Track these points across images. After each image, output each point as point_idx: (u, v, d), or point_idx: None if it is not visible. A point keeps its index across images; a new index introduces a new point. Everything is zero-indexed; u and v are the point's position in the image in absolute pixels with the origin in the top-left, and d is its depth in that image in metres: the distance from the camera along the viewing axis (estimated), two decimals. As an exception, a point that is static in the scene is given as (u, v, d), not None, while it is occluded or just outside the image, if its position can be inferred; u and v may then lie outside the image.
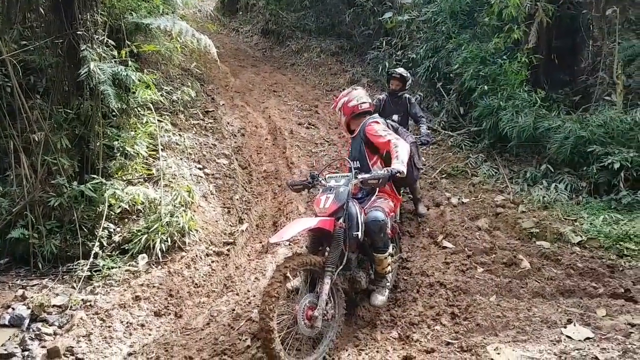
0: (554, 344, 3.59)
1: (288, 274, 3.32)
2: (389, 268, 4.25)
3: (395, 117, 6.31)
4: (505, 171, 7.29)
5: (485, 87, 7.85)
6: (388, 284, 4.32)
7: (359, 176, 3.95)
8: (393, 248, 4.39)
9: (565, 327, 3.83)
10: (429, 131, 6.40)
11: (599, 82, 7.68)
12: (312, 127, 9.35)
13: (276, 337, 3.19)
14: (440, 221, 6.16)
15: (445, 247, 5.56)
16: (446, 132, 8.70)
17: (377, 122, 4.40)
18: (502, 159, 7.63)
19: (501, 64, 7.83)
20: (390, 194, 4.47)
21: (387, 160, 4.30)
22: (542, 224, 5.83)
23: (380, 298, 4.18)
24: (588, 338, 3.66)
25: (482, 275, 4.81)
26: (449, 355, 3.55)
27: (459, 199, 6.77)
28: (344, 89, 11.11)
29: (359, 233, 3.85)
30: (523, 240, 5.62)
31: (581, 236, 5.51)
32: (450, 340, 3.78)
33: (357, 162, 4.44)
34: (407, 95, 6.42)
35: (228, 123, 8.95)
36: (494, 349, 3.50)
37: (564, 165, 6.90)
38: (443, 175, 7.51)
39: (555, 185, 6.62)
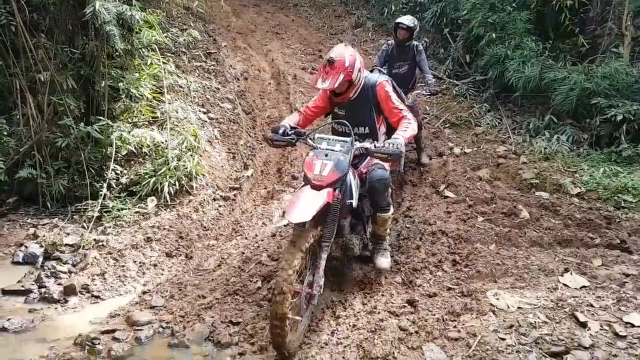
0: (551, 291, 3.78)
1: (302, 254, 3.08)
2: (388, 229, 4.11)
3: (403, 66, 6.25)
4: (508, 122, 7.34)
5: (493, 35, 7.74)
6: (387, 245, 4.16)
7: (364, 144, 3.55)
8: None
9: (562, 276, 4.00)
10: (434, 80, 6.34)
11: (607, 33, 7.58)
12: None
13: (287, 327, 3.01)
14: (442, 171, 6.25)
15: (447, 197, 5.69)
16: (451, 80, 8.65)
17: (390, 83, 3.92)
18: (505, 109, 7.65)
19: (510, 12, 7.71)
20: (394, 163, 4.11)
21: (388, 120, 3.99)
22: (543, 175, 5.95)
23: (386, 260, 4.03)
24: (584, 286, 3.84)
25: (483, 225, 4.96)
26: (450, 300, 3.73)
27: (461, 149, 6.85)
28: (348, 33, 11.09)
29: (354, 201, 3.57)
30: (523, 190, 5.75)
31: (580, 187, 5.64)
32: (451, 286, 3.95)
33: (365, 127, 3.94)
34: (415, 43, 6.33)
35: (231, 66, 8.85)
36: (493, 295, 3.68)
37: (567, 116, 6.95)
38: (446, 125, 7.56)
39: (557, 137, 6.69)
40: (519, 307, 3.49)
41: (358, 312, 3.65)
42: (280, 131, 3.72)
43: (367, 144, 3.52)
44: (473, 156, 6.68)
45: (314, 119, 4.18)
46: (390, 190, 3.96)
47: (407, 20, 6.20)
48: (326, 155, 3.43)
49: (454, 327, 3.38)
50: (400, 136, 3.46)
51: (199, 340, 3.51)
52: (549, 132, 6.86)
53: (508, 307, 3.51)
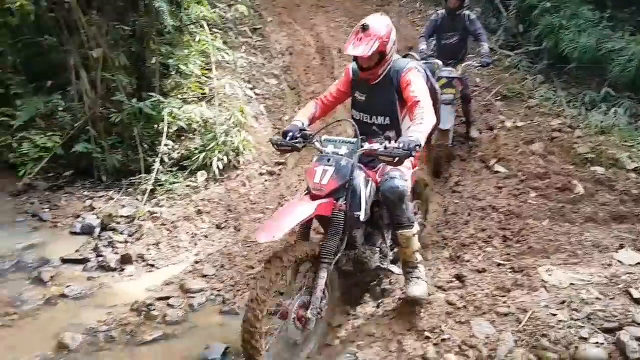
0: (605, 268, 3.64)
1: (283, 269, 2.72)
2: (419, 256, 3.35)
3: (454, 37, 6.07)
4: (563, 94, 7.04)
5: (548, 4, 7.41)
6: (422, 275, 3.37)
7: (366, 145, 3.05)
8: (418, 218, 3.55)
9: (616, 252, 3.85)
10: (489, 51, 6.11)
11: (670, 0, 7.13)
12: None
13: (261, 342, 2.64)
14: (493, 145, 6.09)
15: (497, 172, 5.55)
16: (503, 51, 8.34)
17: (420, 73, 3.32)
18: (560, 81, 7.34)
19: (566, -21, 7.34)
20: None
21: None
22: (598, 149, 5.71)
23: (419, 288, 3.28)
24: (639, 263, 3.70)
25: (535, 200, 4.82)
26: (500, 275, 3.67)
27: (513, 122, 6.63)
28: (394, 4, 10.83)
29: (361, 213, 3.04)
30: (577, 165, 5.53)
31: (637, 162, 5.39)
32: (501, 262, 3.88)
33: (385, 117, 3.36)
34: (467, 12, 6.11)
35: (276, 41, 8.84)
36: (545, 271, 3.59)
37: (625, 89, 6.61)
38: (498, 98, 7.32)
39: (615, 110, 6.39)
40: (571, 284, 3.39)
41: (404, 286, 3.64)
42: (290, 134, 3.23)
43: (376, 145, 2.96)
44: (526, 130, 6.45)
45: (334, 107, 3.67)
46: (410, 202, 3.37)
47: None
48: (328, 160, 2.98)
49: (504, 302, 3.32)
50: (415, 132, 2.86)
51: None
52: (606, 104, 6.55)
53: (560, 283, 3.42)
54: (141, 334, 3.39)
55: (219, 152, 5.85)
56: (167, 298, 3.79)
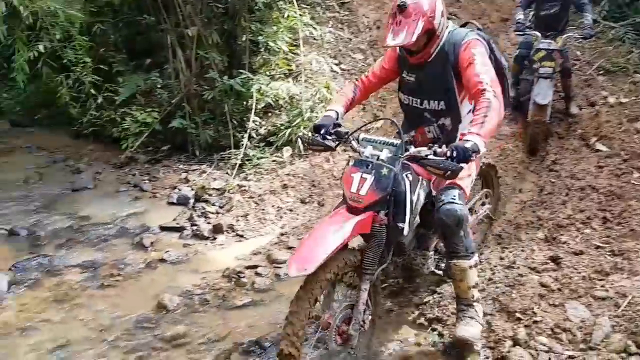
0: None
1: (317, 294, 2.41)
2: (477, 292, 2.88)
3: (554, 6, 5.70)
4: (674, 68, 6.44)
5: (660, -30, 6.77)
6: (477, 316, 2.87)
7: (412, 149, 2.53)
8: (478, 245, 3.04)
9: None
10: (592, 22, 5.69)
11: None
12: (453, 17, 8.73)
13: None
14: (594, 122, 5.69)
15: (598, 150, 5.19)
16: (607, 23, 7.73)
17: (480, 43, 2.69)
18: (671, 54, 6.71)
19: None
20: None
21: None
22: None
23: (470, 329, 2.80)
24: None
25: (639, 181, 4.48)
26: (599, 258, 3.46)
27: (617, 98, 6.15)
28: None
29: (405, 226, 2.60)
30: (688, 146, 5.07)
31: None
32: (600, 244, 3.66)
33: (440, 102, 2.81)
34: None
35: (363, 15, 8.72)
36: (650, 255, 3.35)
37: None
38: (600, 72, 6.81)
39: None
40: (678, 269, 3.15)
41: (494, 267, 3.54)
42: (322, 131, 2.75)
43: (424, 150, 2.44)
44: (630, 106, 5.96)
45: (378, 87, 3.17)
46: (467, 228, 2.83)
47: None
48: (367, 166, 2.52)
49: (602, 286, 3.14)
50: (473, 136, 2.32)
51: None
52: None
53: (666, 269, 3.18)
54: (232, 299, 3.56)
55: (304, 128, 5.92)
56: (255, 267, 3.94)
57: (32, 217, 4.85)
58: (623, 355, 2.70)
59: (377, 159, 2.52)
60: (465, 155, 2.23)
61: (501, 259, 3.63)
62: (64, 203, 5.27)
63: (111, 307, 3.49)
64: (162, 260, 4.11)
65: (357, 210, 2.47)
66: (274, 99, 6.33)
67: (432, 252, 3.05)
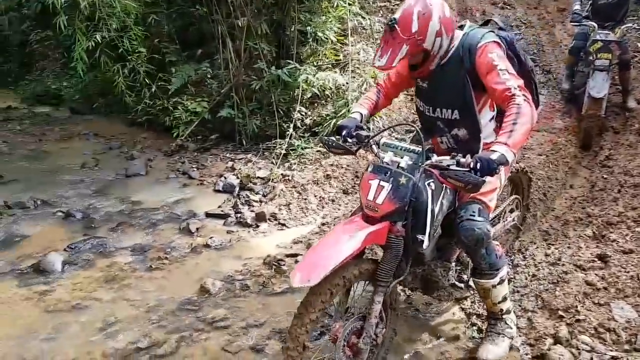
0: None
1: (322, 305, 2.26)
2: (506, 304, 2.74)
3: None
4: None
5: None
6: (508, 329, 2.76)
7: (434, 157, 2.30)
8: (504, 258, 2.76)
9: None
10: None
11: None
12: (508, 7, 8.52)
13: None
14: (653, 117, 5.45)
15: (657, 146, 4.96)
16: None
17: (499, 45, 2.41)
18: None
19: None
20: None
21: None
22: None
23: (493, 350, 2.70)
24: None
25: (698, 179, 4.25)
26: (650, 259, 3.32)
27: (679, 92, 5.85)
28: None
29: (425, 239, 2.41)
30: None
31: None
32: (653, 244, 3.50)
33: (453, 110, 2.56)
34: None
35: (414, 5, 8.59)
36: None
37: None
38: (662, 64, 6.48)
39: None
40: None
41: (539, 263, 3.45)
42: (344, 132, 2.63)
43: (446, 159, 2.21)
44: (694, 101, 5.67)
45: (397, 94, 2.97)
46: (492, 246, 2.64)
47: None
48: (386, 173, 2.34)
49: (652, 287, 3.02)
50: (500, 147, 2.11)
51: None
52: None
53: None
54: (271, 285, 3.62)
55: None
56: (296, 255, 3.98)
57: (87, 201, 5.10)
58: (670, 359, 2.60)
59: (397, 166, 2.34)
60: (490, 168, 2.03)
61: (546, 255, 3.54)
62: (117, 188, 5.50)
63: (157, 289, 3.62)
64: (207, 246, 4.22)
65: (373, 219, 2.34)
66: (320, 90, 6.35)
67: (453, 264, 2.85)
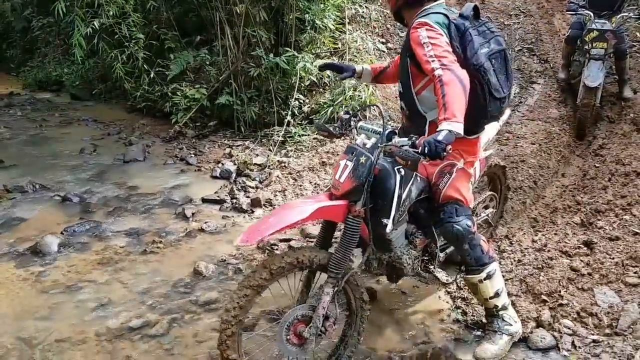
0: None
1: (267, 279, 2.25)
2: (501, 300, 2.72)
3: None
4: None
5: None
6: (506, 325, 2.73)
7: (394, 140, 2.26)
8: (492, 254, 2.76)
9: None
10: None
11: None
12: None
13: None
14: (648, 106, 5.46)
15: (650, 135, 4.99)
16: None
17: (428, 25, 2.35)
18: None
19: None
20: (468, 146, 2.64)
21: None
22: None
23: (489, 349, 2.68)
24: None
25: (691, 168, 4.29)
26: (635, 245, 3.36)
27: (676, 81, 5.86)
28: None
29: (390, 223, 2.41)
30: None
31: None
32: (638, 231, 3.55)
33: (400, 83, 2.69)
34: None
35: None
36: (690, 244, 3.23)
37: None
38: (660, 54, 6.48)
39: None
40: None
41: (525, 249, 3.51)
42: (343, 73, 2.87)
43: (403, 141, 2.18)
44: (691, 91, 5.68)
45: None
46: (475, 240, 2.66)
47: None
48: (352, 153, 2.38)
49: (634, 272, 3.07)
50: (443, 122, 2.10)
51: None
52: None
53: None
54: (264, 269, 3.69)
55: (345, 106, 5.95)
56: (289, 240, 4.04)
57: (84, 186, 5.17)
58: (650, 342, 2.65)
59: (364, 147, 2.38)
60: (437, 149, 2.01)
61: (533, 241, 3.59)
62: (114, 173, 5.57)
63: (151, 271, 3.68)
64: (202, 230, 4.28)
65: (335, 197, 2.37)
66: (318, 77, 6.38)
67: (419, 252, 2.78)
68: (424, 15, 2.41)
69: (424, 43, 2.28)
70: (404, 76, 2.58)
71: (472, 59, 2.41)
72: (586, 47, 5.35)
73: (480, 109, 2.46)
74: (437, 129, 2.10)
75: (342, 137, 2.79)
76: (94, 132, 6.93)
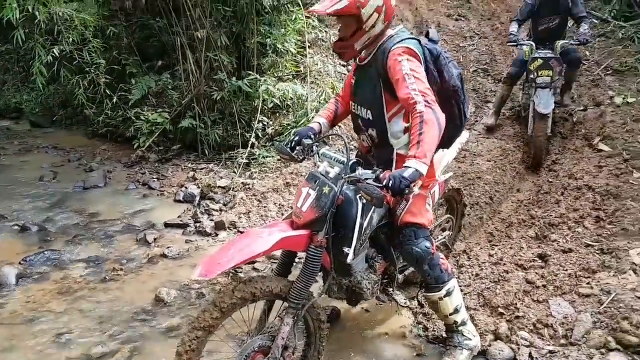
0: None
1: (218, 317, 2.19)
2: (460, 316, 2.78)
3: (554, 20, 5.64)
4: (684, 67, 6.37)
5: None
6: (466, 340, 2.80)
7: (359, 170, 2.32)
8: (451, 272, 2.80)
9: None
10: (589, 31, 5.56)
11: None
12: (462, 18, 8.83)
13: None
14: (598, 122, 5.69)
15: (600, 150, 5.19)
16: (618, 22, 7.68)
17: (411, 52, 2.37)
18: (683, 53, 6.64)
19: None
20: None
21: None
22: None
23: None
24: None
25: (638, 180, 4.47)
26: (587, 257, 3.50)
27: (624, 98, 6.12)
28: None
29: (350, 252, 2.41)
30: (694, 145, 5.03)
31: None
32: (590, 243, 3.69)
33: (368, 110, 2.59)
34: None
35: (372, 17, 8.80)
36: (638, 253, 3.37)
37: None
38: (608, 72, 6.78)
39: None
40: (665, 268, 3.16)
41: (483, 263, 3.60)
42: (297, 138, 2.69)
43: (367, 174, 2.24)
44: (638, 106, 5.93)
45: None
46: (435, 261, 2.69)
47: None
48: (315, 181, 2.37)
49: (587, 283, 3.19)
50: (412, 160, 2.12)
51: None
52: None
53: (653, 267, 3.20)
54: (227, 292, 3.67)
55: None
56: (253, 262, 4.04)
57: (43, 214, 5.06)
58: (603, 350, 2.76)
59: (327, 176, 2.36)
60: (401, 186, 2.04)
61: (490, 255, 3.69)
62: (75, 200, 5.46)
63: (112, 299, 3.63)
64: (164, 256, 4.24)
65: (298, 226, 2.36)
66: (281, 100, 6.45)
67: (379, 277, 2.81)
68: (400, 41, 2.40)
69: (407, 74, 2.27)
70: (375, 103, 2.53)
71: (450, 82, 2.51)
72: (531, 76, 5.43)
73: (456, 129, 2.61)
74: (405, 164, 2.13)
75: (303, 161, 2.80)
76: (54, 159, 6.79)
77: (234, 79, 6.40)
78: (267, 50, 6.84)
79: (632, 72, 6.65)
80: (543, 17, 5.74)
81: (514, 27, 5.79)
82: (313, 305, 2.45)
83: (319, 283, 2.96)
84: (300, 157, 2.66)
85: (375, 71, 2.48)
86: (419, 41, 2.46)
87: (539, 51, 5.45)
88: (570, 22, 5.99)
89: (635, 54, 6.89)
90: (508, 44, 6.00)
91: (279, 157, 5.90)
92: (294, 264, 2.65)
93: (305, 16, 6.82)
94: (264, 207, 5.03)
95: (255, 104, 6.40)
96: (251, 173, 5.80)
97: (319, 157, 2.56)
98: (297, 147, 2.66)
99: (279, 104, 6.48)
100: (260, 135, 6.32)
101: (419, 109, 2.17)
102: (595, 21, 7.05)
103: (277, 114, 6.63)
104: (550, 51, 5.44)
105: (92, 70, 6.64)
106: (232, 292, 2.20)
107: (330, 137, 5.45)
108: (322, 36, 7.32)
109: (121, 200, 5.44)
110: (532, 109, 5.38)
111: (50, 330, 3.25)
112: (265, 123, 6.44)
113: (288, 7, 7.00)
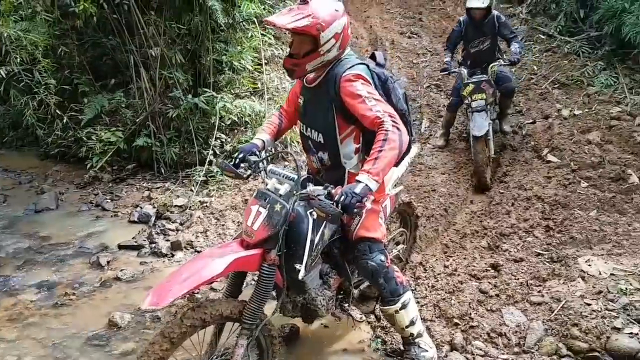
0: (653, 259, 3.50)
1: (168, 349, 2.10)
2: (416, 328, 2.79)
3: (484, 42, 5.80)
4: (625, 80, 6.68)
5: (610, -14, 7.04)
6: (422, 352, 2.80)
7: (310, 187, 2.37)
8: (406, 284, 2.81)
9: (669, 244, 3.68)
10: (520, 50, 5.71)
11: None
12: (415, 36, 9.05)
13: None
14: (547, 134, 5.92)
15: (549, 162, 5.40)
16: (563, 37, 8.02)
17: (363, 78, 2.42)
18: (623, 67, 6.96)
19: (630, -42, 6.92)
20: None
21: (367, 134, 2.51)
22: (660, 138, 5.41)
23: None
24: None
25: (585, 190, 4.67)
26: (537, 265, 3.61)
27: (570, 110, 6.40)
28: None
29: (302, 268, 2.37)
30: (636, 154, 5.27)
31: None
32: (540, 252, 3.82)
33: (319, 133, 2.60)
34: (496, 14, 5.76)
35: (328, 35, 8.93)
36: (586, 261, 3.49)
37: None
38: (555, 85, 7.06)
39: (682, 96, 6.02)
40: (611, 274, 3.29)
41: (438, 274, 3.66)
42: (241, 155, 2.64)
43: (319, 190, 2.27)
44: (583, 118, 6.21)
45: (297, 116, 2.87)
46: (389, 274, 2.69)
47: (479, 2, 5.60)
48: (265, 199, 2.34)
49: (538, 292, 3.29)
50: (365, 175, 2.17)
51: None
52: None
53: (600, 273, 3.32)
54: (184, 314, 3.60)
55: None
56: (211, 282, 3.97)
57: (-7, 239, 4.86)
58: (554, 357, 2.85)
59: (277, 193, 2.33)
60: (352, 202, 2.07)
61: (445, 267, 3.76)
62: (26, 224, 5.27)
63: (64, 325, 3.51)
64: (117, 279, 4.13)
65: (249, 245, 2.32)
66: (239, 116, 6.43)
67: (333, 292, 2.80)
68: (350, 67, 2.43)
69: (365, 97, 2.32)
70: (328, 128, 2.53)
71: (397, 105, 2.56)
72: (466, 101, 5.53)
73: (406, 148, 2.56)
74: (356, 179, 2.17)
75: (249, 179, 2.77)
76: (4, 182, 6.55)
77: (190, 96, 6.34)
78: (224, 67, 6.83)
79: (577, 85, 6.95)
80: (473, 40, 5.87)
81: (447, 57, 5.96)
82: (266, 324, 2.42)
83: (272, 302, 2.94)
84: (246, 175, 2.62)
85: (326, 96, 2.49)
86: (368, 66, 2.51)
87: (473, 77, 5.53)
88: (502, 43, 6.16)
89: (581, 67, 7.20)
90: (441, 73, 6.12)
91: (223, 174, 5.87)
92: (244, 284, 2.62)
93: (262, 34, 6.86)
94: (222, 225, 4.98)
95: (213, 121, 6.36)
96: (209, 191, 5.74)
97: (266, 173, 2.53)
98: (242, 164, 2.62)
99: (237, 120, 6.46)
100: (218, 152, 6.27)
101: (385, 127, 2.22)
102: (522, 45, 7.20)
103: (235, 131, 6.60)
104: (483, 75, 5.53)
105: (42, 91, 6.46)
106: (181, 321, 2.14)
107: (275, 154, 5.44)
108: (279, 53, 7.35)
109: (74, 223, 5.28)
110: (470, 133, 5.46)
111: (1, 358, 3.11)
112: (223, 140, 6.40)
113: (244, 25, 7.02)
